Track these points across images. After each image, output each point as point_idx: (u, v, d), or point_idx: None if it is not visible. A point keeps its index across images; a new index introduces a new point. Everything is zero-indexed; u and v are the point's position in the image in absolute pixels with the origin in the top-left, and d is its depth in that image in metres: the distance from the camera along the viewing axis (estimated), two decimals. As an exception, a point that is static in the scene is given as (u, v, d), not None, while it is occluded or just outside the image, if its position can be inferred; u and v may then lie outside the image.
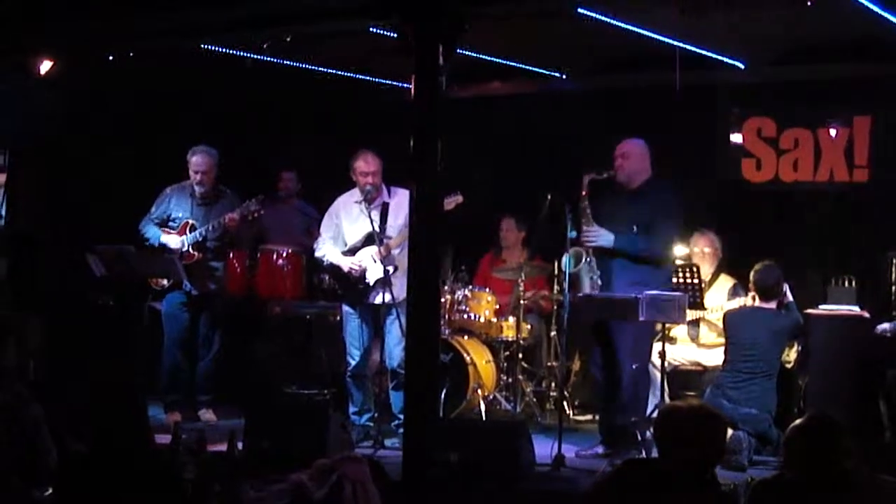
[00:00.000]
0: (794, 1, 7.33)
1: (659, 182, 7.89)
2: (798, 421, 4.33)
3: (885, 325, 8.02)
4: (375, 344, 8.46)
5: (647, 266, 7.76)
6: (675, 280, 7.96)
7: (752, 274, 8.01)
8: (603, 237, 7.74)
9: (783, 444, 4.37)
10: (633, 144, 7.93)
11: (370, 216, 8.16)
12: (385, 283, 7.99)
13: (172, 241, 8.94)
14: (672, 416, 4.36)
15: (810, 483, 4.11)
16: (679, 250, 8.48)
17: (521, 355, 9.25)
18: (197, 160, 8.95)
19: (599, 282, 7.77)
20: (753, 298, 8.03)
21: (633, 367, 7.85)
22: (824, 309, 8.37)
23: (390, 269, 8.00)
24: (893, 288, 8.52)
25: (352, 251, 8.38)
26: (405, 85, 6.49)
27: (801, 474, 4.17)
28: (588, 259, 7.79)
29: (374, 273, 8.22)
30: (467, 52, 9.02)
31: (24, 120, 9.37)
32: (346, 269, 8.33)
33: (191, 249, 8.93)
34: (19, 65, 8.72)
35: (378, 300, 8.14)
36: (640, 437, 7.65)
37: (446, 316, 9.23)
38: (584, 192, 7.80)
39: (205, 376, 9.20)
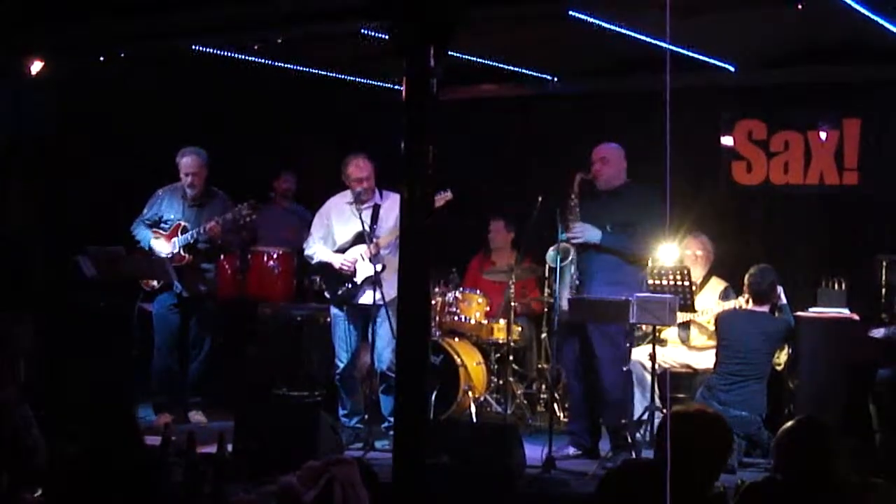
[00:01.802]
0: (785, 4, 7.35)
1: (637, 184, 7.99)
2: (788, 424, 4.34)
3: (881, 330, 8.02)
4: (364, 346, 8.46)
5: (627, 266, 7.88)
6: (663, 282, 7.95)
7: (746, 276, 8.03)
8: (589, 233, 7.79)
9: (773, 448, 4.37)
10: (611, 149, 8.04)
11: (361, 216, 8.16)
12: (374, 282, 7.99)
13: (162, 246, 8.92)
14: (684, 421, 4.35)
15: (800, 486, 4.12)
16: (671, 253, 8.50)
17: (511, 357, 9.24)
18: (186, 162, 8.94)
19: (577, 281, 7.82)
20: (747, 301, 8.04)
21: (625, 368, 7.90)
22: (814, 311, 8.39)
23: (379, 267, 8.00)
24: (883, 291, 8.54)
25: (341, 251, 8.39)
26: (397, 87, 6.49)
27: (791, 477, 4.18)
28: (572, 256, 7.83)
29: (362, 272, 8.22)
30: (459, 55, 9.02)
31: (14, 120, 9.34)
32: (336, 265, 8.33)
33: (182, 251, 8.91)
34: (10, 65, 8.70)
35: (366, 300, 8.14)
36: (630, 439, 7.67)
37: (437, 318, 9.25)
38: (575, 191, 7.85)
39: (195, 378, 9.19)
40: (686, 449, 4.12)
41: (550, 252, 7.83)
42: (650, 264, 8.15)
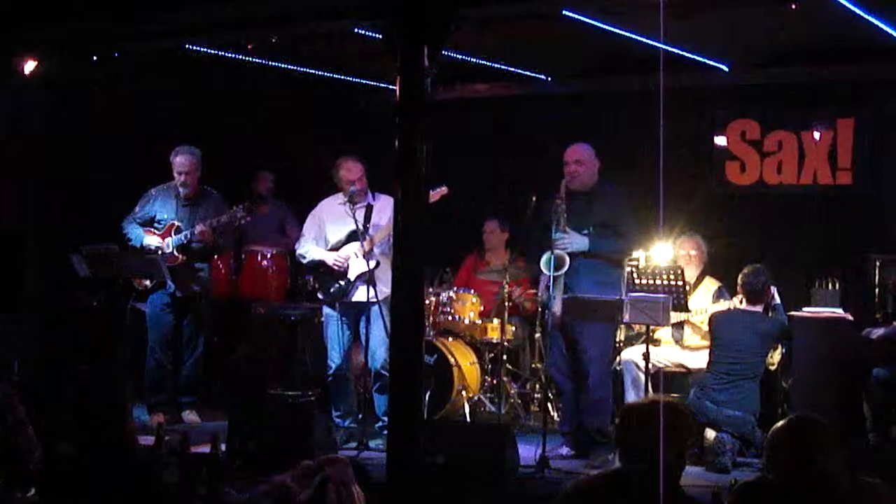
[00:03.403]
0: (778, 4, 7.36)
1: (610, 184, 8.03)
2: (780, 422, 4.32)
3: (880, 330, 8.02)
4: (357, 345, 8.46)
5: (611, 267, 7.94)
6: (659, 282, 7.96)
7: (740, 276, 8.04)
8: (578, 242, 7.79)
9: (765, 446, 4.35)
10: (585, 150, 8.04)
11: (354, 215, 8.16)
12: (367, 280, 7.99)
13: (154, 241, 8.91)
14: (632, 413, 4.28)
15: (792, 484, 4.10)
16: (665, 252, 8.51)
17: (505, 357, 9.25)
18: (180, 160, 8.92)
19: (564, 284, 7.82)
20: (741, 301, 8.05)
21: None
22: (808, 311, 8.39)
23: (372, 263, 8.00)
24: (877, 290, 8.55)
25: (334, 250, 8.38)
26: (391, 86, 6.49)
27: (784, 475, 4.16)
28: (567, 266, 7.82)
29: (356, 269, 8.22)
30: (452, 54, 9.02)
31: (7, 119, 9.33)
32: (329, 261, 8.32)
33: (175, 252, 8.90)
34: (3, 65, 8.69)
35: (360, 297, 8.14)
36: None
37: (431, 318, 9.24)
38: (562, 197, 7.84)
39: (188, 377, 9.18)
40: (640, 443, 4.04)
41: (545, 257, 7.82)
42: (644, 264, 8.17)
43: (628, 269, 8.01)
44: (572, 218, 7.85)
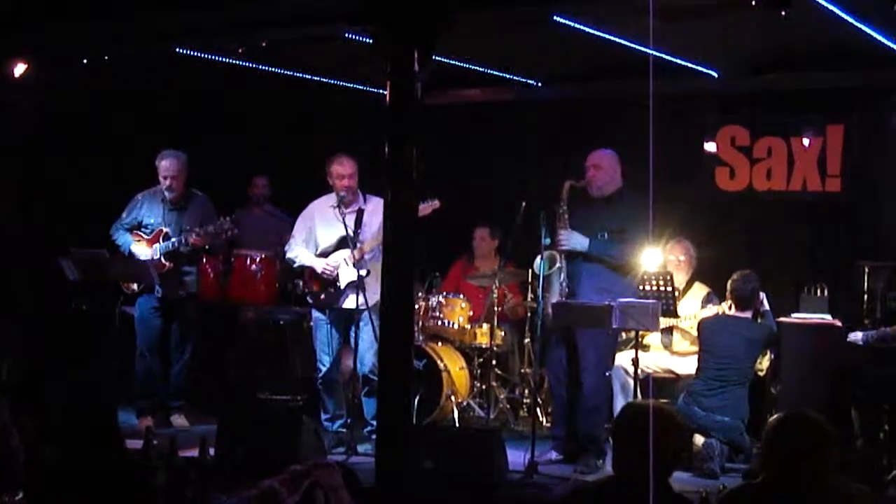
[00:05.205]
0: (768, 10, 7.37)
1: (629, 192, 7.99)
2: (778, 415, 4.26)
3: (858, 334, 8.05)
4: (347, 350, 8.45)
5: (615, 273, 7.91)
6: (647, 287, 7.97)
7: (729, 283, 8.05)
8: (577, 241, 7.81)
9: (762, 437, 4.29)
10: (604, 155, 8.05)
11: (344, 221, 8.14)
12: (357, 286, 7.98)
13: (143, 251, 8.89)
14: (630, 414, 4.28)
15: (781, 485, 4.07)
16: (654, 258, 8.51)
17: (494, 362, 9.24)
18: (165, 164, 8.90)
19: (567, 289, 7.83)
20: (729, 307, 8.06)
21: (607, 374, 7.96)
22: (797, 317, 8.41)
23: (363, 272, 7.99)
24: (865, 297, 8.57)
25: (324, 255, 8.37)
26: (381, 91, 6.49)
27: (777, 472, 4.12)
28: (560, 264, 7.85)
29: (346, 276, 8.21)
30: (443, 59, 9.02)
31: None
32: (319, 269, 8.30)
33: (163, 259, 8.87)
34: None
35: (350, 304, 8.13)
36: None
37: (420, 322, 9.23)
38: (564, 198, 7.88)
39: (177, 381, 9.16)
40: (634, 445, 4.03)
41: (538, 260, 7.84)
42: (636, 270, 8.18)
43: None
44: (586, 221, 7.88)
